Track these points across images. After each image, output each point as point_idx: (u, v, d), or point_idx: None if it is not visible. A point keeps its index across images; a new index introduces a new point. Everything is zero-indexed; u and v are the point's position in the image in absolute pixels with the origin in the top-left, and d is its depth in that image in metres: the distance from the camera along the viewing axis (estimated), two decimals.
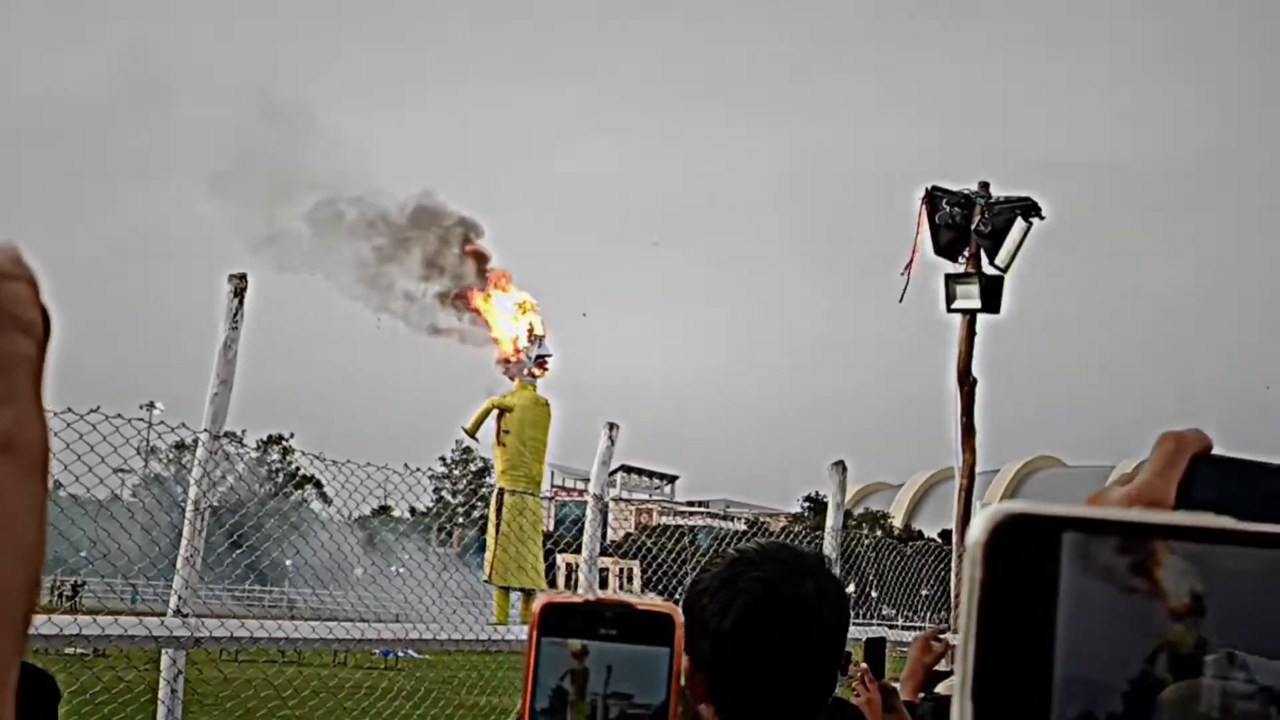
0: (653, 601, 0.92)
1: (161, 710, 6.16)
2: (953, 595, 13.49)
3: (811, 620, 2.35)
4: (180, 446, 8.04)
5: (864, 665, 4.36)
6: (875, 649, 4.68)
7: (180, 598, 6.24)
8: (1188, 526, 0.46)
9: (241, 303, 6.62)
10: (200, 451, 6.54)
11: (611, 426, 8.81)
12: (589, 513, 8.80)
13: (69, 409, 6.42)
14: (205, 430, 6.54)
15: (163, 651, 6.20)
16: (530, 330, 19.68)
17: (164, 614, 6.27)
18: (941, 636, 4.98)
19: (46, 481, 0.48)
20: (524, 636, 8.54)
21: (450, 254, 22.02)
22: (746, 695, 2.29)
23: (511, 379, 18.64)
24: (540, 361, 18.98)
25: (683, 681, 2.41)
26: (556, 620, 0.89)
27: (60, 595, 22.62)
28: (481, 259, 21.62)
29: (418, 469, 9.12)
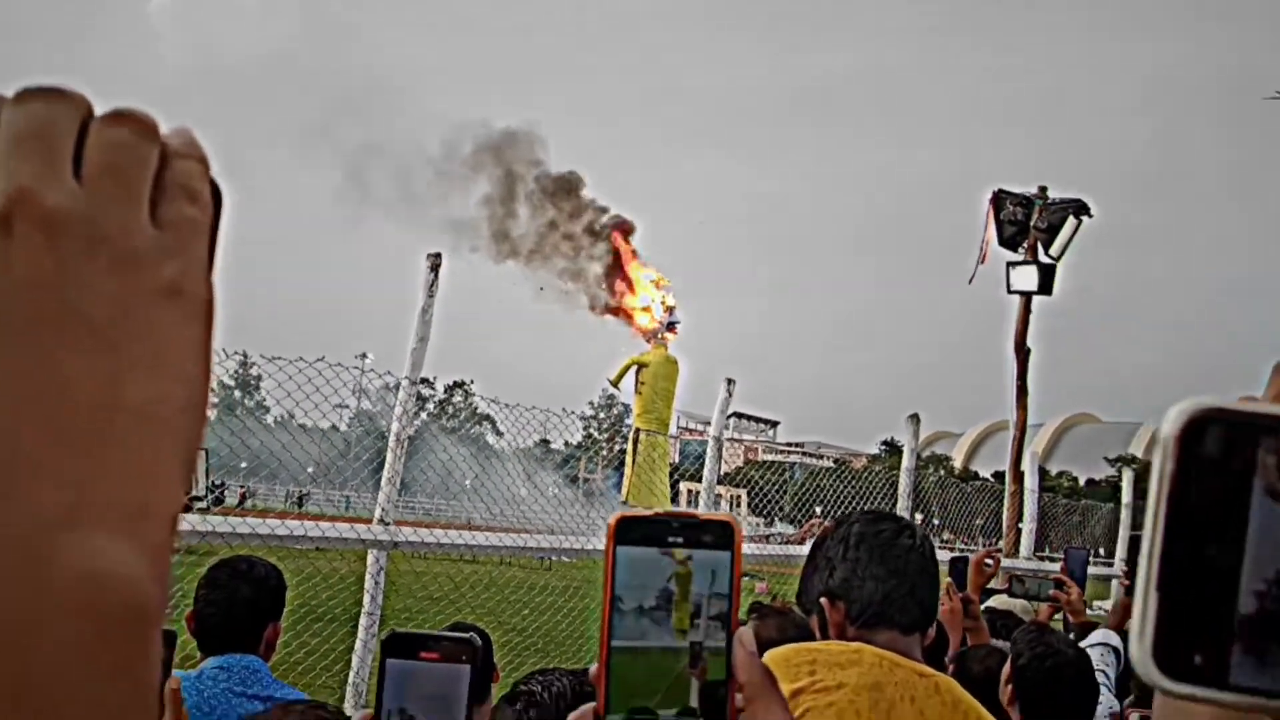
0: (713, 513, 0.86)
1: (367, 597, 6.28)
2: (1005, 526, 13.30)
3: (914, 533, 2.32)
4: (385, 388, 8.16)
5: (949, 579, 4.28)
6: (958, 566, 4.58)
7: (384, 509, 6.35)
8: None
9: (436, 276, 6.68)
10: (401, 394, 6.63)
11: (730, 382, 8.73)
12: (709, 451, 8.73)
13: (300, 357, 6.56)
14: (406, 377, 6.63)
15: (369, 550, 6.33)
16: (663, 302, 19.85)
17: (370, 521, 6.39)
18: (992, 557, 4.87)
19: (210, 325, 0.45)
20: None
21: (598, 234, 22.20)
22: (879, 597, 2.24)
23: (648, 341, 18.77)
24: (671, 327, 19.12)
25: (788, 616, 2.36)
26: (630, 532, 0.84)
27: (290, 502, 23.43)
28: (626, 235, 21.75)
29: (573, 412, 9.14)
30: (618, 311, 20.65)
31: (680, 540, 0.83)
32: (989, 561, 4.68)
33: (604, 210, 22.77)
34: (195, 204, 0.46)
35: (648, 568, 0.83)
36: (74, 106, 0.45)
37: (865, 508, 2.44)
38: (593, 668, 0.86)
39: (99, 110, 0.45)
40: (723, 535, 0.84)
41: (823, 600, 2.28)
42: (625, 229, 22.04)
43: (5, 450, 0.40)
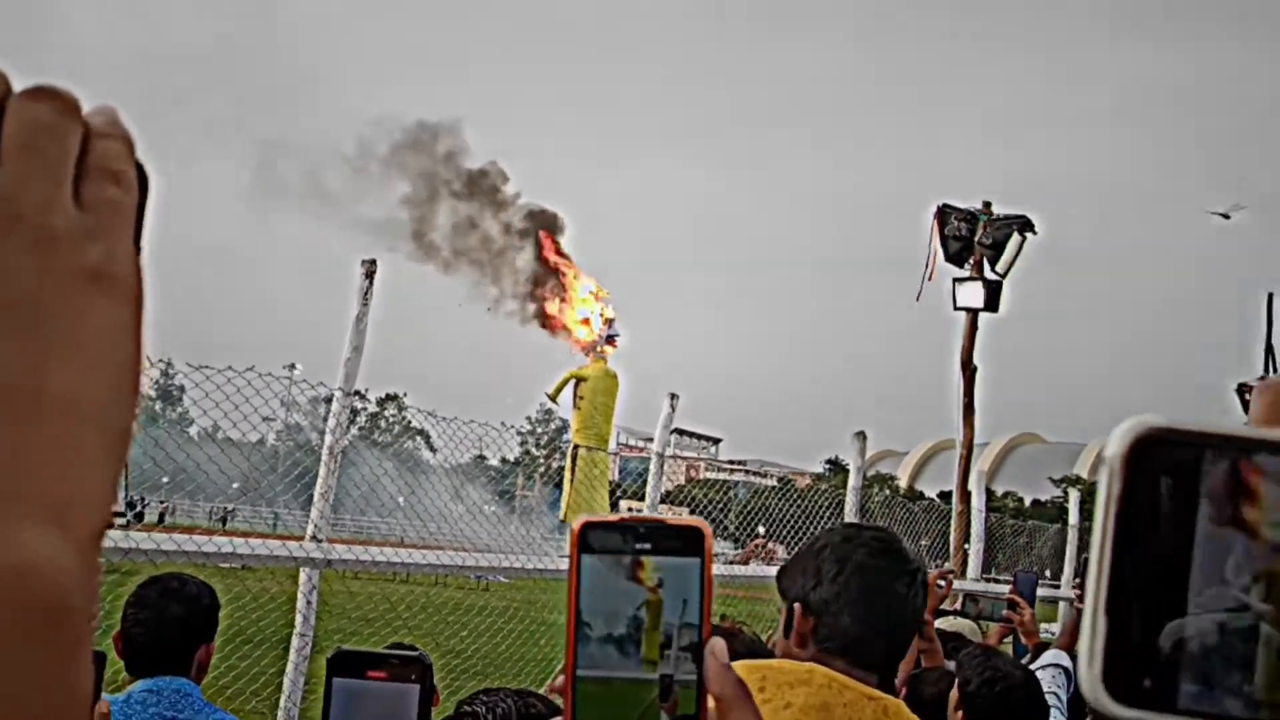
0: (683, 517, 0.85)
1: (299, 618, 6.20)
2: (952, 546, 13.42)
3: (914, 579, 2.30)
4: (316, 401, 8.10)
5: None
6: None
7: (316, 526, 6.28)
8: None
9: (371, 283, 6.64)
10: (335, 406, 6.57)
11: (673, 397, 8.75)
12: (652, 468, 8.74)
13: (230, 366, 6.48)
14: (339, 389, 6.57)
15: (301, 569, 6.26)
16: (602, 314, 19.83)
17: (302, 538, 6.33)
18: (945, 578, 4.92)
19: (139, 311, 0.44)
20: None
21: (524, 234, 21.96)
22: (851, 635, 2.22)
23: (586, 354, 18.75)
24: (610, 340, 19.10)
25: (776, 633, 2.36)
26: (595, 537, 0.82)
27: (214, 519, 23.09)
28: (553, 233, 21.56)
29: (510, 426, 9.11)
30: (553, 322, 20.53)
31: (648, 546, 0.82)
32: (941, 582, 4.73)
33: (528, 209, 22.47)
34: (119, 185, 0.45)
35: (616, 594, 0.82)
36: None
37: (871, 525, 2.35)
38: (558, 680, 0.85)
39: (17, 86, 0.44)
40: (692, 540, 0.83)
41: (796, 606, 2.28)
42: (550, 227, 21.77)
43: None
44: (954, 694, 3.57)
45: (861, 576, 2.24)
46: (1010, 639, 5.72)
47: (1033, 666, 4.19)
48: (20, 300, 0.42)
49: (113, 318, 0.44)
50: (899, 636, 2.30)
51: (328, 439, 6.53)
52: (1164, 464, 0.39)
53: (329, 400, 6.75)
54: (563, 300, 20.60)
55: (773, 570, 10.70)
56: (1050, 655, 4.63)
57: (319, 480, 6.43)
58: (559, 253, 21.51)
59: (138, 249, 0.45)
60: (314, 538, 6.25)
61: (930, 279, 15.02)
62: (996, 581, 12.88)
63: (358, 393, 6.89)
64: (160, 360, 6.82)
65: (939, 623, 5.84)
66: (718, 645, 0.84)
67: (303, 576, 6.29)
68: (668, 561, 0.82)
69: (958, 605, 5.56)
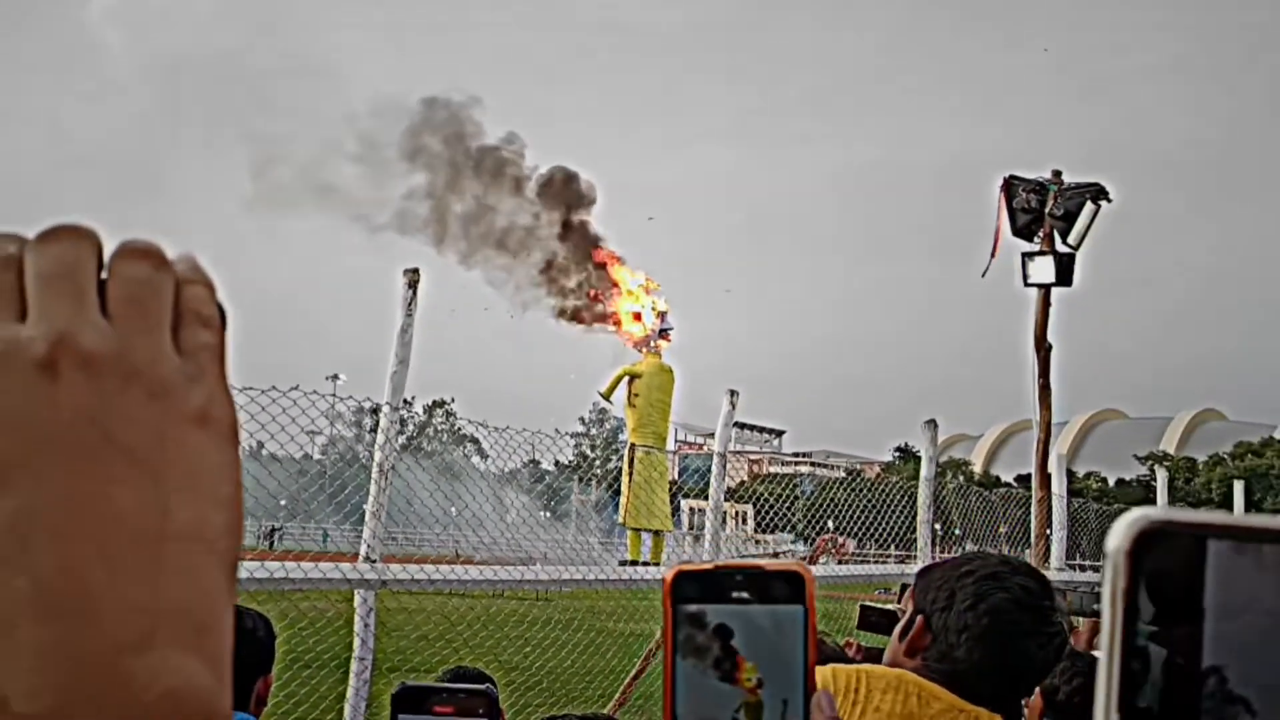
0: (781, 562, 0.84)
1: (357, 641, 6.28)
2: (1033, 534, 13.28)
3: (1050, 641, 2.26)
4: (361, 411, 8.18)
5: None
6: None
7: (369, 545, 6.34)
8: None
9: (415, 293, 6.69)
10: (383, 421, 6.62)
11: (732, 393, 8.76)
12: (714, 467, 8.76)
13: (273, 386, 6.54)
14: (387, 403, 6.62)
15: (355, 590, 6.32)
16: (654, 307, 19.76)
17: (354, 557, 6.39)
18: None
19: (237, 447, 0.51)
20: (652, 576, 8.52)
21: (574, 240, 21.72)
22: (961, 669, 2.21)
23: (639, 350, 18.71)
24: (664, 334, 19.05)
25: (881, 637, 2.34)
26: (688, 587, 0.80)
27: (260, 538, 23.31)
28: (597, 243, 21.38)
29: (565, 433, 9.14)
30: (596, 317, 20.40)
31: (746, 595, 0.81)
32: None
33: (547, 173, 22.02)
34: (209, 329, 0.51)
35: (713, 696, 0.80)
36: (92, 244, 0.49)
37: (999, 560, 2.28)
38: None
39: (108, 244, 0.50)
40: (792, 587, 0.81)
41: (920, 617, 2.28)
42: (576, 197, 21.47)
43: (75, 582, 0.45)
44: (1035, 700, 3.50)
45: (994, 620, 2.21)
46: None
47: None
48: (144, 448, 0.47)
49: (219, 455, 0.50)
50: (1010, 688, 2.27)
51: (377, 455, 6.58)
52: (1167, 558, 0.39)
53: (375, 411, 6.80)
54: (613, 295, 20.49)
55: (844, 570, 10.66)
56: None
57: (370, 499, 6.48)
58: (601, 248, 21.34)
59: (227, 386, 0.52)
60: (367, 558, 6.30)
61: (995, 255, 14.87)
62: (1082, 569, 12.75)
63: (405, 402, 6.94)
64: None
65: None
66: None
67: (358, 598, 6.34)
68: (769, 611, 0.81)
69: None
